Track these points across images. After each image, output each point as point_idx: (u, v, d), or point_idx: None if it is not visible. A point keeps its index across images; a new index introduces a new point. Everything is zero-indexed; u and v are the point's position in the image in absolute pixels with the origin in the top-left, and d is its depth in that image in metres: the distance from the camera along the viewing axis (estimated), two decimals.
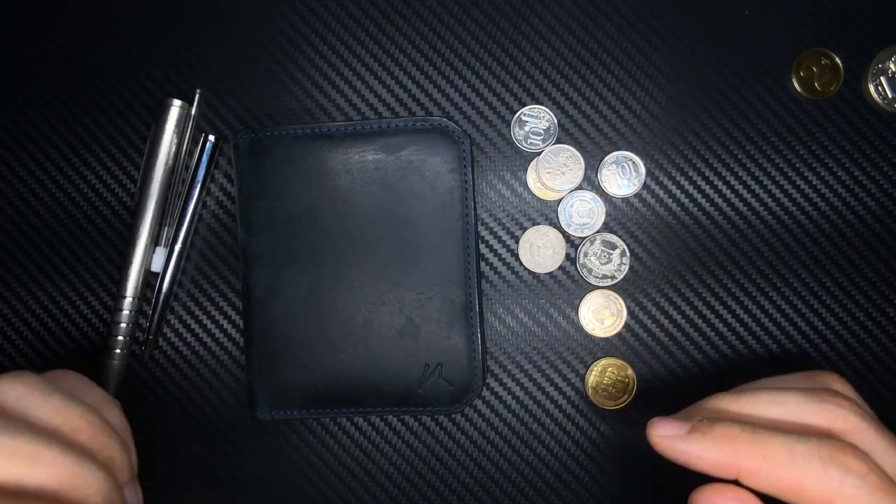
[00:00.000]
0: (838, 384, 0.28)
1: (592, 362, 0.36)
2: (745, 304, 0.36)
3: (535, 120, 0.36)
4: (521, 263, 0.36)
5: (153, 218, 0.36)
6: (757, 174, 0.36)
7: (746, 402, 0.26)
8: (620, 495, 0.36)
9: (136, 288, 0.36)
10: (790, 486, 0.23)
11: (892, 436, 0.26)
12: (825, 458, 0.23)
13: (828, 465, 0.23)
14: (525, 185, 0.36)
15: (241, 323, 0.37)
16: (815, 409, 0.25)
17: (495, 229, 0.36)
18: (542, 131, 0.36)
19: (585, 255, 0.36)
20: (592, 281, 0.36)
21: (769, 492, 0.24)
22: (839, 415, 0.25)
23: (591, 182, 0.36)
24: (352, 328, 0.35)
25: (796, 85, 0.35)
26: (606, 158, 0.35)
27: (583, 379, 0.36)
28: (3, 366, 0.38)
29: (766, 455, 0.23)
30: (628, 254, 0.35)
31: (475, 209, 0.35)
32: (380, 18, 0.36)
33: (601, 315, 0.36)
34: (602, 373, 0.36)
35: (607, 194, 0.36)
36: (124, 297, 0.36)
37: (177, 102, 0.36)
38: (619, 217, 0.36)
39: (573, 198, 0.36)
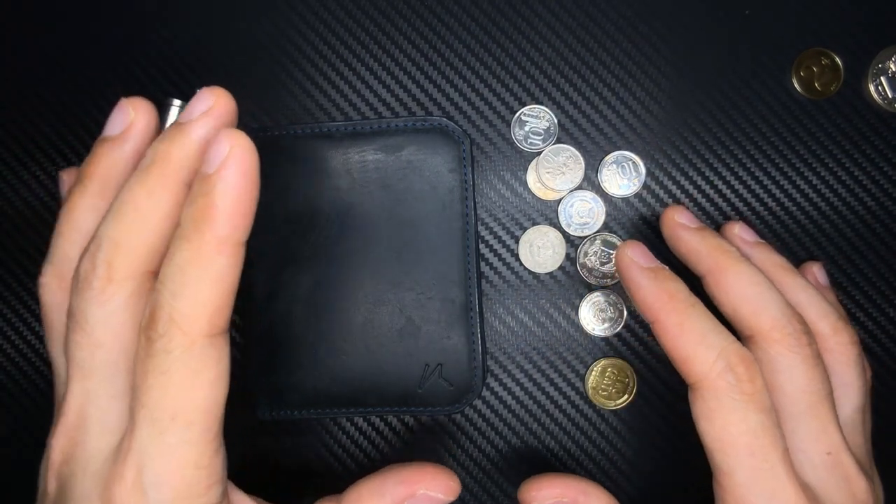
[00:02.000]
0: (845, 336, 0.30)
1: (592, 362, 0.36)
2: None
3: (535, 120, 0.36)
4: (521, 263, 0.36)
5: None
6: (757, 174, 0.36)
7: (739, 266, 0.29)
8: (620, 495, 0.36)
9: None
10: (681, 356, 0.26)
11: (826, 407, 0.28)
12: (721, 352, 0.26)
13: (721, 359, 0.26)
14: (525, 185, 0.36)
15: (241, 323, 0.37)
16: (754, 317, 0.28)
17: (495, 229, 0.36)
18: (542, 131, 0.36)
19: (585, 255, 0.36)
20: (592, 281, 0.36)
21: (664, 348, 0.27)
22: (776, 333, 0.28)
23: (591, 182, 0.36)
24: (352, 328, 0.35)
25: (796, 85, 0.35)
26: (606, 158, 0.35)
27: (583, 379, 0.36)
28: (3, 366, 0.38)
29: (683, 325, 0.26)
30: None
31: (475, 209, 0.35)
32: (380, 18, 0.36)
33: (601, 315, 0.36)
34: (602, 373, 0.36)
35: (607, 194, 0.36)
36: None
37: (177, 102, 0.36)
38: (619, 217, 0.36)
39: (573, 198, 0.36)
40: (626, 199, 0.36)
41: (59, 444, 0.24)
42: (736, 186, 0.36)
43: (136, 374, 0.22)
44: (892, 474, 0.31)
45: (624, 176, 0.36)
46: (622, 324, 0.36)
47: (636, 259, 0.28)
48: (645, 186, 0.36)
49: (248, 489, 0.38)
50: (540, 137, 0.36)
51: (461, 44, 0.36)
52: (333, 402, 0.35)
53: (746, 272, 0.28)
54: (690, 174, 0.36)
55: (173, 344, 0.21)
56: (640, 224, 0.36)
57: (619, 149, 0.36)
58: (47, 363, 0.38)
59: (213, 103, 0.24)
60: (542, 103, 0.36)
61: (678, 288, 0.27)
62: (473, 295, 0.34)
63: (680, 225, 0.31)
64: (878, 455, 0.31)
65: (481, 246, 0.36)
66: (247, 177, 0.21)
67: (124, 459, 0.22)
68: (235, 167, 0.21)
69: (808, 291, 0.31)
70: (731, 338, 0.27)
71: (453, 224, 0.34)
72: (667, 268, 0.28)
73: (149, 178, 0.23)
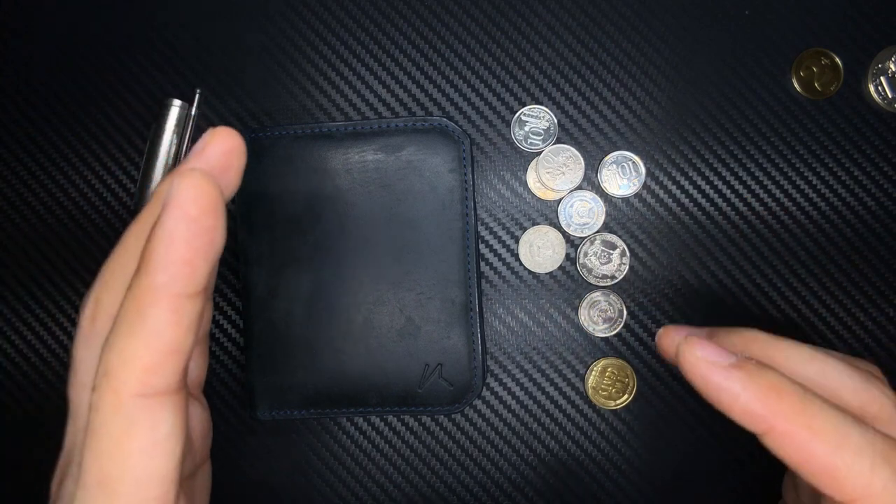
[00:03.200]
0: (878, 373, 0.26)
1: (592, 362, 0.36)
2: (745, 303, 0.36)
3: (535, 120, 0.36)
4: (521, 263, 0.36)
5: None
6: (757, 174, 0.36)
7: (785, 348, 0.24)
8: (620, 495, 0.36)
9: None
10: (823, 468, 0.20)
11: None
12: (878, 455, 0.20)
13: (879, 464, 0.20)
14: (525, 185, 0.36)
15: (241, 323, 0.37)
16: (855, 384, 0.23)
17: (495, 229, 0.36)
18: (542, 131, 0.36)
19: (585, 255, 0.36)
20: (592, 281, 0.36)
21: (792, 463, 0.21)
22: (877, 399, 0.23)
23: (591, 182, 0.36)
24: (352, 328, 0.35)
25: (796, 85, 0.35)
26: (606, 158, 0.35)
27: (583, 379, 0.36)
28: (2, 366, 0.38)
29: (813, 427, 0.20)
30: (628, 254, 0.35)
31: (475, 209, 0.35)
32: (380, 18, 0.36)
33: (601, 315, 0.36)
34: (602, 373, 0.36)
35: (607, 194, 0.36)
36: None
37: (177, 102, 0.36)
38: (619, 217, 0.36)
39: (573, 198, 0.36)
40: (626, 199, 0.36)
41: (54, 479, 0.23)
42: (736, 186, 0.36)
43: None
44: None
45: (624, 176, 0.36)
46: (622, 324, 0.36)
47: (712, 358, 0.22)
48: (645, 186, 0.36)
49: (248, 489, 0.38)
50: (540, 137, 0.36)
51: (461, 44, 0.36)
52: (333, 402, 0.35)
53: (830, 418, 0.21)
54: (690, 174, 0.36)
55: (102, 401, 0.19)
56: (640, 224, 0.36)
57: (619, 149, 0.36)
58: (47, 363, 0.38)
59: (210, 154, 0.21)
60: (542, 103, 0.36)
61: (780, 380, 0.21)
62: (473, 295, 0.34)
63: (709, 364, 0.22)
64: None
65: (481, 246, 0.36)
66: (192, 223, 0.19)
67: None
68: (178, 210, 0.18)
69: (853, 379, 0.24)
70: (874, 430, 0.21)
71: (453, 224, 0.34)
72: (752, 358, 0.22)
73: (135, 222, 0.22)
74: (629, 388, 0.36)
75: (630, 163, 0.35)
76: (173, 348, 0.19)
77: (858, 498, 0.20)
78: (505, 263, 0.36)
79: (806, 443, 0.20)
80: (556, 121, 0.36)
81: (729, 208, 0.36)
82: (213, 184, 0.19)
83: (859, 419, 0.21)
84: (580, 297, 0.36)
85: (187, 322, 0.19)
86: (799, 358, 0.24)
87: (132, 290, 0.19)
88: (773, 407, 0.21)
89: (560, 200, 0.36)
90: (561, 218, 0.36)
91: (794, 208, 0.35)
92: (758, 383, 0.21)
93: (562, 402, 0.36)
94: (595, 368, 0.36)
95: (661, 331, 0.25)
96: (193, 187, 0.19)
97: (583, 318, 0.36)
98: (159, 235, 0.19)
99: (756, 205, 0.36)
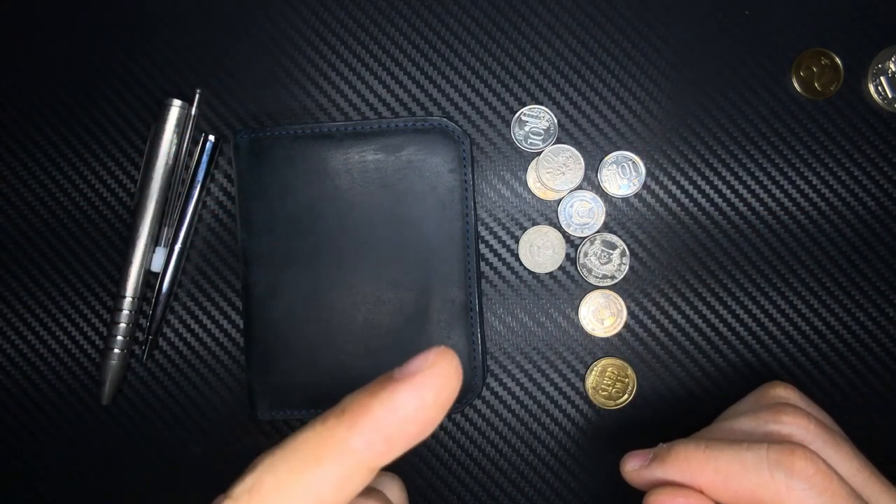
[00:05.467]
0: (782, 391, 0.29)
1: (592, 362, 0.36)
2: (745, 303, 0.36)
3: (535, 120, 0.36)
4: (521, 263, 0.36)
5: (153, 218, 0.36)
6: (757, 174, 0.36)
7: (703, 461, 0.26)
8: (620, 495, 0.36)
9: (136, 288, 0.36)
10: (746, 496, 0.24)
11: (841, 437, 0.26)
12: (772, 463, 0.23)
13: (774, 470, 0.23)
14: (525, 185, 0.36)
15: (241, 323, 0.37)
16: (767, 431, 0.26)
17: (495, 229, 0.36)
18: (542, 131, 0.36)
19: (585, 255, 0.36)
20: (592, 281, 0.36)
21: (724, 501, 0.24)
22: (790, 430, 0.26)
23: (591, 182, 0.36)
24: (352, 328, 0.35)
25: (796, 85, 0.35)
26: (606, 158, 0.35)
27: (583, 379, 0.36)
28: (2, 366, 0.38)
29: (719, 468, 0.24)
30: (628, 254, 0.35)
31: (475, 209, 0.35)
32: (380, 18, 0.36)
33: (601, 315, 0.36)
34: (602, 373, 0.36)
35: (607, 194, 0.36)
36: (124, 297, 0.36)
37: (177, 102, 0.36)
38: (619, 217, 0.36)
39: (573, 198, 0.36)
40: (626, 199, 0.36)
41: None
42: (736, 186, 0.36)
43: None
44: (893, 474, 0.31)
45: (624, 176, 0.36)
46: (622, 324, 0.36)
47: (638, 464, 0.27)
48: (645, 186, 0.36)
49: None
50: (540, 137, 0.36)
51: (461, 44, 0.36)
52: (333, 402, 0.35)
53: (726, 455, 0.25)
54: (690, 174, 0.36)
55: None
56: (640, 224, 0.36)
57: (619, 149, 0.36)
58: (47, 363, 0.38)
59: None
60: (542, 103, 0.36)
61: (682, 448, 0.25)
62: (473, 295, 0.34)
63: (637, 470, 0.27)
64: (879, 455, 0.31)
65: (481, 246, 0.36)
66: (423, 409, 0.18)
67: None
68: (421, 392, 0.18)
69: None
70: (760, 443, 0.24)
71: (453, 224, 0.34)
72: (662, 445, 0.27)
73: None
74: (629, 388, 0.36)
75: (630, 163, 0.35)
76: None
77: None
78: (505, 263, 0.36)
79: (724, 483, 0.24)
80: (556, 121, 0.36)
81: (729, 208, 0.36)
82: (461, 381, 0.19)
83: (756, 441, 0.24)
84: (580, 297, 0.36)
85: (351, 491, 0.18)
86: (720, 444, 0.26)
87: (323, 432, 0.18)
88: (686, 469, 0.25)
89: (560, 200, 0.36)
90: (561, 218, 0.36)
91: (794, 208, 0.35)
92: (670, 461, 0.25)
93: (562, 402, 0.36)
94: (595, 368, 0.36)
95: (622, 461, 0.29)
96: (447, 377, 0.18)
97: (583, 318, 0.36)
98: (386, 402, 0.18)
99: (756, 205, 0.36)
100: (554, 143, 0.36)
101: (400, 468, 0.37)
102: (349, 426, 0.18)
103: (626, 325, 0.36)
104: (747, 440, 0.25)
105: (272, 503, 0.17)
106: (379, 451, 0.18)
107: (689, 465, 0.25)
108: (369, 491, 0.23)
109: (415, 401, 0.18)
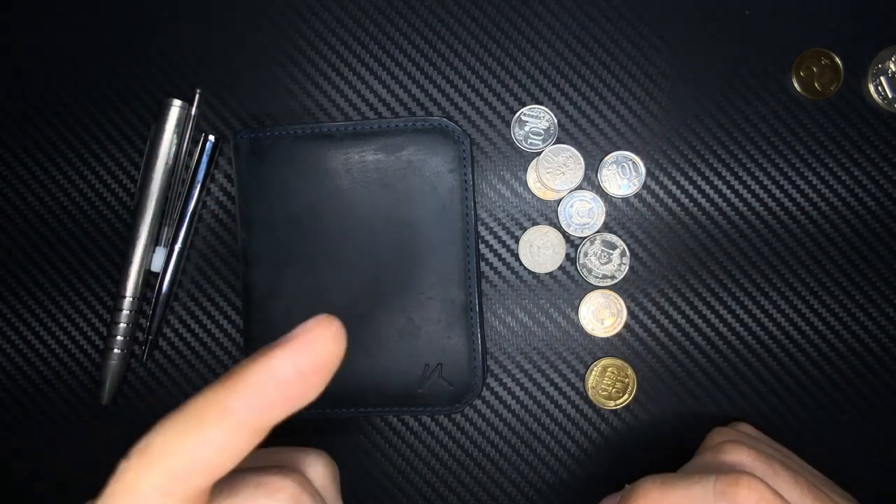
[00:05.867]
0: (725, 432, 0.31)
1: (592, 362, 0.36)
2: (745, 303, 0.36)
3: (535, 120, 0.36)
4: (521, 263, 0.36)
5: (153, 218, 0.36)
6: (757, 174, 0.36)
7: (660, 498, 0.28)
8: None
9: (136, 288, 0.36)
10: None
11: (795, 470, 0.28)
12: (718, 494, 0.25)
13: (720, 501, 0.25)
14: (525, 185, 0.36)
15: (241, 323, 0.37)
16: (718, 461, 0.28)
17: (495, 229, 0.36)
18: (542, 131, 0.36)
19: (585, 255, 0.36)
20: (592, 281, 0.36)
21: None
22: (743, 464, 0.28)
23: (591, 182, 0.36)
24: (352, 328, 0.35)
25: (796, 85, 0.35)
26: (606, 158, 0.35)
27: (583, 379, 0.36)
28: (2, 366, 0.38)
29: (671, 502, 0.26)
30: (628, 254, 0.35)
31: (475, 209, 0.35)
32: (380, 18, 0.36)
33: (601, 315, 0.36)
34: (602, 373, 0.36)
35: (607, 194, 0.36)
36: (124, 297, 0.36)
37: (177, 102, 0.36)
38: (619, 217, 0.36)
39: (573, 198, 0.36)
40: (626, 199, 0.36)
41: None
42: (736, 186, 0.36)
43: None
44: (892, 475, 0.31)
45: (624, 176, 0.36)
46: (622, 324, 0.36)
47: None
48: (645, 186, 0.36)
49: None
50: (540, 137, 0.36)
51: (461, 44, 0.36)
52: (333, 402, 0.35)
53: (678, 488, 0.27)
54: (690, 174, 0.36)
55: (125, 475, 0.19)
56: (640, 224, 0.36)
57: (619, 149, 0.36)
58: (47, 363, 0.38)
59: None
60: (542, 103, 0.36)
61: (641, 486, 0.27)
62: (473, 295, 0.34)
63: None
64: (879, 455, 0.31)
65: (481, 246, 0.36)
66: (300, 373, 0.19)
67: None
68: (296, 355, 0.19)
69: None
70: (710, 474, 0.26)
71: (453, 224, 0.34)
72: (627, 486, 0.28)
73: None
74: (629, 388, 0.36)
75: (630, 163, 0.35)
76: (210, 469, 0.19)
77: None
78: (505, 263, 0.36)
79: None
80: (556, 121, 0.36)
81: (729, 208, 0.36)
82: (341, 348, 0.19)
83: (692, 475, 0.26)
84: (580, 297, 0.36)
85: (235, 453, 0.19)
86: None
87: (207, 396, 0.19)
88: None
89: (560, 200, 0.36)
90: (561, 218, 0.36)
91: (794, 208, 0.35)
92: (632, 501, 0.27)
93: (562, 402, 0.36)
94: (595, 368, 0.36)
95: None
96: (321, 341, 0.19)
97: (583, 318, 0.36)
98: (263, 366, 0.19)
99: (756, 205, 0.36)
100: (554, 143, 0.36)
101: (400, 467, 0.37)
102: (230, 390, 0.19)
103: (626, 325, 0.36)
104: (699, 473, 0.27)
105: (159, 463, 0.18)
106: (258, 414, 0.19)
107: (647, 501, 0.27)
108: (286, 470, 0.23)
109: (289, 364, 0.18)
